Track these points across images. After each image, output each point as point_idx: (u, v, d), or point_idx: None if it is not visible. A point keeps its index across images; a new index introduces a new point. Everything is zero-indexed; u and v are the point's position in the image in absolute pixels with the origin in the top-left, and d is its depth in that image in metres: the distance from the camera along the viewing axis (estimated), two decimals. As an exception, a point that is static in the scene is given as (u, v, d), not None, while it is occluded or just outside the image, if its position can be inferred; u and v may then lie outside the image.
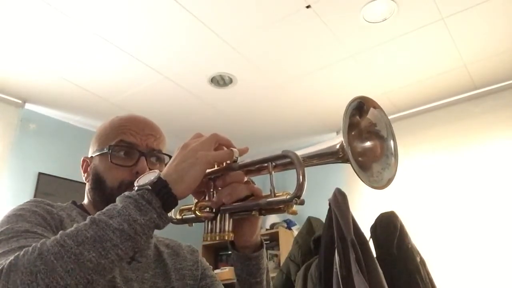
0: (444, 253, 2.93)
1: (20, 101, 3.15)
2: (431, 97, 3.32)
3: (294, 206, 0.66)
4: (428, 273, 1.66)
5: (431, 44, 2.69)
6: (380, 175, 0.63)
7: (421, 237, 2.38)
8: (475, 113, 3.22)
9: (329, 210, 1.53)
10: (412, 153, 3.35)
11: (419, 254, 1.70)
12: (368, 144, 0.66)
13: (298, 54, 2.76)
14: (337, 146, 0.62)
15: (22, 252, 0.57)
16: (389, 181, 0.63)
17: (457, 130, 3.26)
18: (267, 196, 0.70)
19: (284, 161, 0.68)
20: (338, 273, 1.35)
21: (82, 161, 0.99)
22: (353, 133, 0.65)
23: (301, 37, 2.59)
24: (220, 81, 3.04)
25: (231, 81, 3.04)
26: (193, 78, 3.00)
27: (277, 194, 0.68)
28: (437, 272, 1.81)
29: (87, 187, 0.95)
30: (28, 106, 3.22)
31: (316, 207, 1.99)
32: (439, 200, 3.14)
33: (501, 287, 2.71)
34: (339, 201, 1.48)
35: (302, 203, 0.64)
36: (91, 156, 0.96)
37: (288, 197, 0.65)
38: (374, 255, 1.49)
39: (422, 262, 1.68)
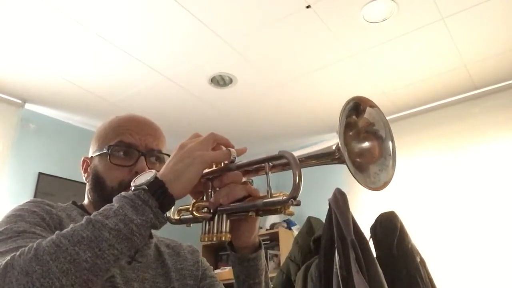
0: (444, 253, 2.93)
1: (20, 101, 3.15)
2: (431, 97, 3.32)
3: (291, 207, 0.66)
4: (428, 273, 1.66)
5: (431, 44, 2.68)
6: (377, 176, 0.62)
7: (421, 237, 2.38)
8: (475, 113, 3.22)
9: (329, 210, 1.53)
10: (412, 153, 3.35)
11: (419, 254, 1.69)
12: (366, 144, 0.65)
13: (298, 54, 2.76)
14: (333, 147, 0.61)
15: (18, 253, 0.57)
16: (385, 183, 0.62)
17: (457, 130, 3.26)
18: (263, 197, 0.69)
19: (281, 162, 0.68)
20: (338, 273, 1.35)
21: (82, 161, 0.99)
22: (350, 133, 0.63)
23: (301, 37, 2.59)
24: (220, 81, 3.04)
25: (231, 81, 3.04)
26: (193, 78, 3.00)
27: (274, 195, 0.67)
28: (437, 272, 1.81)
29: (87, 187, 0.96)
30: (28, 106, 3.22)
31: (316, 207, 2.00)
32: (439, 200, 3.14)
33: (501, 287, 2.71)
34: (339, 201, 1.48)
35: (298, 204, 0.63)
36: (91, 156, 0.96)
37: (284, 198, 0.64)
38: (374, 255, 1.49)
39: (422, 262, 1.68)
